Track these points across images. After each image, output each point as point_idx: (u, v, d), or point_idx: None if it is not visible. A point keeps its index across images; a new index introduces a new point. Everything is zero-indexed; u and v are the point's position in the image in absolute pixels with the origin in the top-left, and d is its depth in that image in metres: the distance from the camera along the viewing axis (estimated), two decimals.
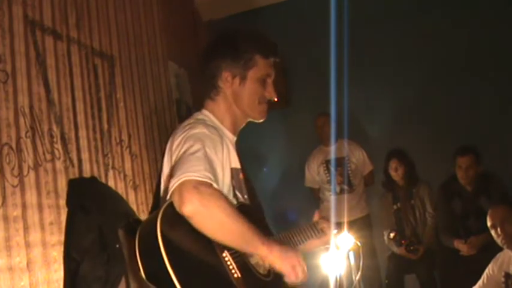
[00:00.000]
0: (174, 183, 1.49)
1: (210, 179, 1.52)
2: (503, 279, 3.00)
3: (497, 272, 3.17)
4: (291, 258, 1.59)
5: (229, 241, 1.54)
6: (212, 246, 1.53)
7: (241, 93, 1.79)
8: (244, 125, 1.88)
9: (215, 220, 1.48)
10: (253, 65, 1.78)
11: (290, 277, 1.60)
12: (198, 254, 1.50)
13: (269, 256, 1.57)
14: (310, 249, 2.00)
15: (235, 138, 1.85)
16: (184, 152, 1.57)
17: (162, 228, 1.42)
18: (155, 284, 1.44)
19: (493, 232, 3.26)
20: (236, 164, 1.80)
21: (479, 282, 3.24)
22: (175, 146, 1.64)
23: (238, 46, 1.79)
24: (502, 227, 3.19)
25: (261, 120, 1.86)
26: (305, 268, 1.62)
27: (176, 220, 1.47)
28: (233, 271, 1.53)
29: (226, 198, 1.57)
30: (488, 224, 3.28)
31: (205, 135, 1.64)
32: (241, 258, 1.60)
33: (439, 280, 4.13)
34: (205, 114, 1.82)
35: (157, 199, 1.76)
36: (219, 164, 1.64)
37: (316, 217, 2.05)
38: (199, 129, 1.66)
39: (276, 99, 1.85)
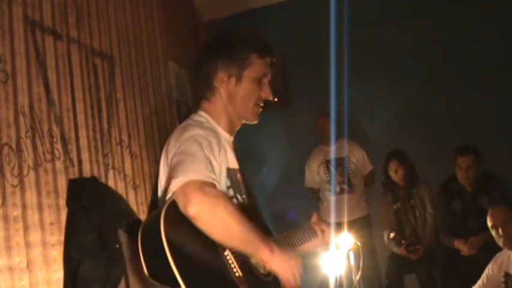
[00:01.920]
0: (177, 184, 1.49)
1: (213, 179, 1.53)
2: (503, 279, 3.00)
3: (496, 272, 3.17)
4: (291, 264, 1.59)
5: (232, 242, 1.55)
6: (214, 245, 1.54)
7: (237, 93, 1.78)
8: (239, 126, 1.87)
9: (220, 221, 1.48)
10: (249, 65, 1.76)
11: (289, 283, 1.60)
12: (200, 252, 1.51)
13: (270, 260, 1.56)
14: (307, 250, 2.01)
15: (232, 139, 1.84)
16: (182, 153, 1.57)
17: (166, 228, 1.43)
18: (159, 281, 1.45)
19: (493, 232, 3.25)
20: (234, 164, 1.80)
21: (479, 281, 3.24)
22: (172, 147, 1.64)
23: (233, 46, 1.78)
24: (503, 228, 3.19)
25: (255, 122, 1.85)
26: (301, 274, 1.62)
27: (179, 220, 1.48)
28: (234, 270, 1.55)
29: (229, 199, 1.58)
30: (489, 224, 3.28)
31: (202, 137, 1.64)
32: (242, 257, 1.61)
33: (439, 280, 4.13)
34: (202, 115, 1.81)
35: (155, 200, 1.76)
36: (217, 165, 1.64)
37: (314, 218, 2.06)
38: (196, 131, 1.66)
39: (273, 99, 1.85)
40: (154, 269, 1.46)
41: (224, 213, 1.48)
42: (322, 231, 2.02)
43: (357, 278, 2.43)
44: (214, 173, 1.57)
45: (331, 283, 2.49)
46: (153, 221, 1.48)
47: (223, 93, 1.79)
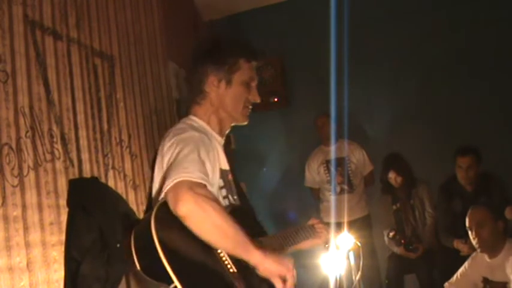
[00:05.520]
0: (168, 184, 1.53)
1: (203, 179, 1.56)
2: (482, 285, 2.97)
3: (473, 273, 3.15)
4: (284, 266, 1.58)
5: (222, 243, 1.55)
6: (207, 243, 1.56)
7: (227, 97, 1.86)
8: (229, 128, 1.94)
9: (209, 221, 1.50)
10: (237, 69, 1.85)
11: (280, 285, 1.58)
12: (193, 250, 1.53)
13: (262, 262, 1.55)
14: (303, 248, 2.06)
15: (222, 141, 1.91)
16: (178, 155, 1.62)
17: (157, 226, 1.45)
18: (152, 278, 1.46)
19: (469, 233, 3.23)
20: (225, 165, 1.86)
21: (453, 277, 3.23)
22: (167, 149, 1.69)
23: (222, 51, 1.86)
24: (476, 230, 3.17)
25: (245, 123, 1.93)
26: (295, 275, 1.61)
27: (170, 218, 1.50)
28: (229, 266, 1.57)
29: (219, 201, 1.61)
30: (466, 225, 3.26)
31: (196, 138, 1.70)
32: None
33: (439, 280, 4.12)
34: (193, 119, 1.88)
35: (150, 201, 1.80)
36: (210, 165, 1.69)
37: (312, 221, 2.14)
38: (190, 133, 1.73)
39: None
40: (148, 267, 1.47)
41: (214, 213, 1.50)
42: (321, 230, 2.10)
43: (357, 278, 2.43)
44: (207, 174, 1.61)
45: (331, 283, 2.49)
46: (145, 220, 1.51)
47: (213, 97, 1.87)
